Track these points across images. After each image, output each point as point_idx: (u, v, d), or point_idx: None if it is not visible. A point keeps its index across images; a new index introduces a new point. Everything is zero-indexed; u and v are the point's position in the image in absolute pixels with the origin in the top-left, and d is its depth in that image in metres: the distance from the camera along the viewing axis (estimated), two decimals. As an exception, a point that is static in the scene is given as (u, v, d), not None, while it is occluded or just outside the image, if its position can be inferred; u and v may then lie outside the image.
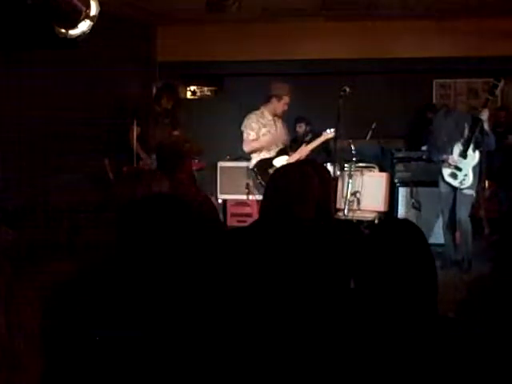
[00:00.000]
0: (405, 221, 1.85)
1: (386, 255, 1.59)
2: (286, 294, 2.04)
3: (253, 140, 5.65)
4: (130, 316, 1.60)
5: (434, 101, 7.84)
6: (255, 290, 2.04)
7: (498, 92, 5.44)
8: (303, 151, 5.94)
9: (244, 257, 2.14)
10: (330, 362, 1.54)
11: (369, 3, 6.31)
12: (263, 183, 5.49)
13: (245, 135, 5.67)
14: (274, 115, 5.75)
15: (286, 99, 5.69)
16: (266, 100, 5.76)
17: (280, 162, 5.60)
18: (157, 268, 1.66)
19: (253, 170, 5.74)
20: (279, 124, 5.83)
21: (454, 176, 5.52)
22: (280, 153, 5.76)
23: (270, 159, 5.70)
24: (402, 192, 6.61)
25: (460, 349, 1.49)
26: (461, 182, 5.49)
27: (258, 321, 1.88)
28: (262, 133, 5.67)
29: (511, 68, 6.57)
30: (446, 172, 5.55)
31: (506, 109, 7.18)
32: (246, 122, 5.71)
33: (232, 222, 7.15)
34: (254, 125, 5.66)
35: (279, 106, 5.70)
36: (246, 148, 5.75)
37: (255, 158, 5.74)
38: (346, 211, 6.39)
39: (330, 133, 5.86)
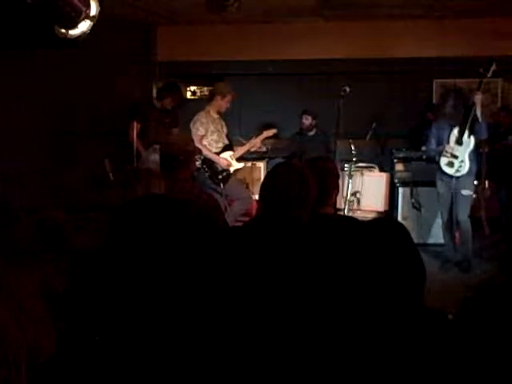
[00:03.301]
0: (391, 220, 1.86)
1: (374, 253, 1.61)
2: (279, 295, 2.04)
3: (202, 136, 5.86)
4: (125, 314, 1.60)
5: (434, 101, 7.83)
6: (248, 290, 2.03)
7: (490, 74, 5.40)
8: (252, 145, 6.33)
9: (240, 257, 2.14)
10: (321, 357, 1.55)
11: (369, 3, 6.31)
12: (212, 176, 5.91)
13: (194, 131, 5.87)
14: (219, 113, 6.03)
15: (228, 97, 5.98)
16: (210, 99, 6.04)
17: (225, 156, 5.99)
18: (150, 270, 1.66)
19: (202, 166, 5.88)
20: (223, 122, 6.12)
21: (450, 164, 5.49)
22: (225, 148, 6.06)
23: (216, 154, 5.98)
24: (402, 192, 6.60)
25: (444, 342, 1.50)
26: (457, 170, 5.45)
27: (251, 321, 1.89)
28: (211, 129, 5.92)
29: (511, 68, 6.57)
30: (444, 161, 5.52)
31: (506, 109, 7.17)
32: (195, 119, 5.94)
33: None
34: (203, 120, 5.89)
35: (223, 103, 5.98)
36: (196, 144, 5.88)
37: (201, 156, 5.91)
38: (346, 211, 6.38)
39: (271, 130, 6.47)
